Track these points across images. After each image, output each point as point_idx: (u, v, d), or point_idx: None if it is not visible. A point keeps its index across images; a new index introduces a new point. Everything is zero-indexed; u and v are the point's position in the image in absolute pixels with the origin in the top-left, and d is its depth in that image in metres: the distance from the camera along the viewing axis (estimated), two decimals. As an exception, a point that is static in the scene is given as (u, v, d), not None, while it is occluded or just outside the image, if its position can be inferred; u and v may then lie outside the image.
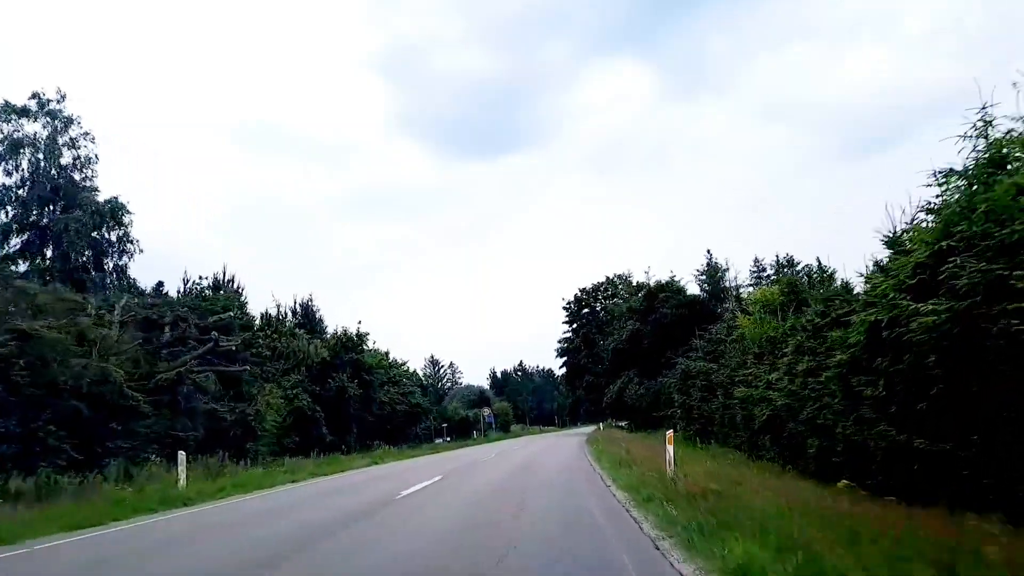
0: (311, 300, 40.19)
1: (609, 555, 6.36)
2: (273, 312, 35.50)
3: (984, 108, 6.78)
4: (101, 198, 32.49)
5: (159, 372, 19.28)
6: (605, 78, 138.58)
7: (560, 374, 65.11)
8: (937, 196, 7.43)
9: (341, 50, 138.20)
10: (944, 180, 7.19)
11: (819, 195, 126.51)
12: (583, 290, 62.23)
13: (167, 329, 22.68)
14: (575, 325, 62.24)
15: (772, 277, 48.15)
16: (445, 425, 69.30)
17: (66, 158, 32.29)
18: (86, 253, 31.36)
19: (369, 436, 38.65)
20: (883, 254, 8.74)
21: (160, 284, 31.48)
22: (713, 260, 51.81)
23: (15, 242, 30.82)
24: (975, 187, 6.67)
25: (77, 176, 32.40)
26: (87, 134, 32.81)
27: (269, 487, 17.50)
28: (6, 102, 30.90)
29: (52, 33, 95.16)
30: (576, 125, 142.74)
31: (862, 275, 9.54)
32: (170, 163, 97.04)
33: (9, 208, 31.15)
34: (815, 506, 7.16)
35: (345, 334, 36.69)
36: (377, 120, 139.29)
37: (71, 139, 32.59)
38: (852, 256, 57.99)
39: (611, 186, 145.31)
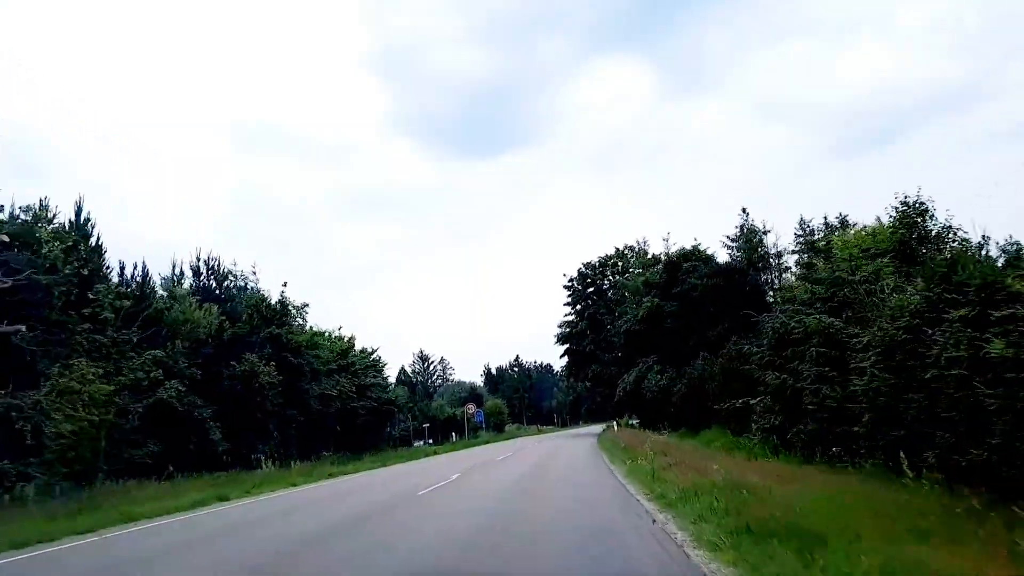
0: (228, 262, 29.08)
1: None
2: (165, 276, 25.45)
3: None
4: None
5: None
6: (603, 77, 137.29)
7: (561, 366, 54.76)
8: None
9: (339, 50, 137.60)
10: None
11: (818, 194, 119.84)
12: (588, 265, 52.26)
13: None
14: (579, 306, 52.19)
15: (828, 239, 38.32)
16: (427, 426, 59.30)
17: None
18: None
19: (309, 442, 28.75)
20: None
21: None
22: (749, 222, 41.83)
23: None
24: None
25: None
26: None
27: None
28: None
29: (56, 34, 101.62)
30: (575, 124, 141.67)
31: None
32: (170, 163, 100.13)
33: None
34: None
35: (263, 301, 26.60)
36: (375, 120, 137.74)
37: None
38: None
39: (611, 185, 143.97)
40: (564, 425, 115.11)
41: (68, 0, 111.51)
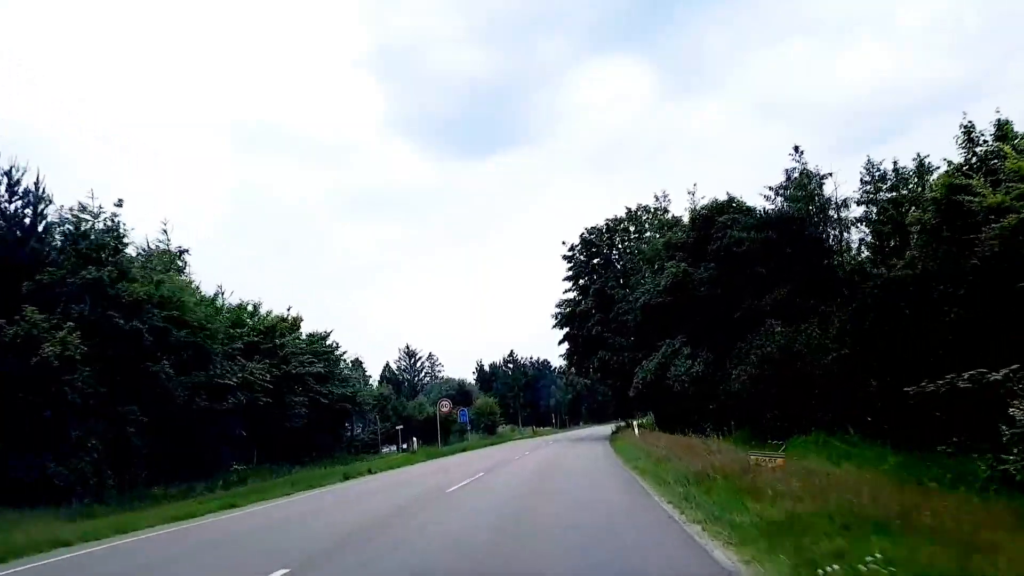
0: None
1: None
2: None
3: None
4: None
5: None
6: (603, 76, 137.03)
7: (560, 355, 44.84)
8: None
9: (338, 50, 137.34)
10: None
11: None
12: (593, 230, 42.47)
13: None
14: (582, 280, 42.43)
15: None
16: (401, 427, 49.55)
17: None
18: None
19: (175, 455, 19.14)
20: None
21: None
22: (803, 164, 32.15)
23: None
24: None
25: None
26: None
27: None
28: None
29: (56, 34, 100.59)
30: (575, 124, 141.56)
31: None
32: (170, 163, 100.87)
33: None
34: None
35: (79, 231, 16.43)
36: (375, 119, 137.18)
37: None
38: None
39: (611, 185, 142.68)
40: (563, 426, 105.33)
41: (68, 0, 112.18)
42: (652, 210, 40.07)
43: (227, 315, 27.53)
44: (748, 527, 6.65)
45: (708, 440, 16.09)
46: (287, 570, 6.82)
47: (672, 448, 16.68)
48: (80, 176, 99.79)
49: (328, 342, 40.45)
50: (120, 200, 17.25)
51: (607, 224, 42.05)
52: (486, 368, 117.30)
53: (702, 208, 33.17)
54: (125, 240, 17.62)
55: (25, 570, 9.05)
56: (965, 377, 8.37)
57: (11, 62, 68.52)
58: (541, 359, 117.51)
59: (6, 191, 16.06)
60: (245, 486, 19.28)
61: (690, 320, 31.29)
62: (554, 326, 42.52)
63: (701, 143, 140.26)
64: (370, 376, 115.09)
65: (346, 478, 22.13)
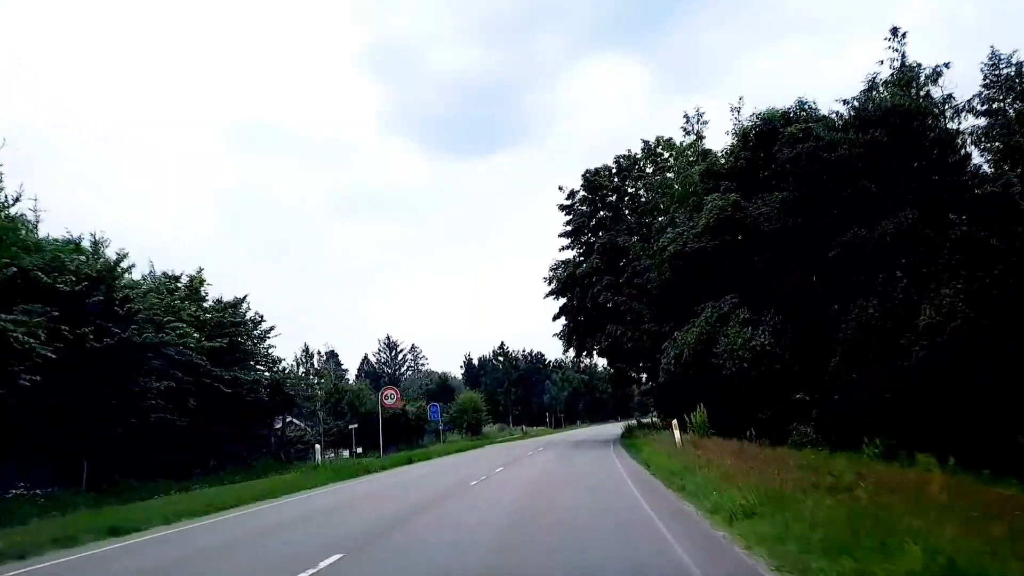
0: None
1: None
2: None
3: None
4: None
5: None
6: (601, 75, 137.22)
7: (556, 335, 34.04)
8: None
9: (336, 49, 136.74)
10: None
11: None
12: (599, 171, 32.41)
13: None
14: (585, 236, 32.34)
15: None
16: (355, 427, 39.46)
17: None
18: None
19: None
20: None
21: None
22: (903, 58, 22.12)
23: None
24: None
25: None
26: None
27: None
28: None
29: (56, 34, 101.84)
30: (573, 122, 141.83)
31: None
32: (170, 163, 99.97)
33: None
34: None
35: None
36: (373, 119, 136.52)
37: None
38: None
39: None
40: (558, 425, 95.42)
41: (67, 1, 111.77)
42: (678, 145, 29.91)
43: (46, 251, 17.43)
44: None
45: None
46: None
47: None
48: (80, 175, 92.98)
49: (250, 316, 30.49)
50: None
51: (618, 163, 31.97)
52: (474, 362, 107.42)
53: (761, 115, 23.17)
54: None
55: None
56: None
57: (11, 62, 69.24)
58: (535, 352, 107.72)
59: None
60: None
61: (745, 272, 21.35)
62: (547, 295, 32.46)
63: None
64: (346, 370, 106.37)
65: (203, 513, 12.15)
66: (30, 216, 18.85)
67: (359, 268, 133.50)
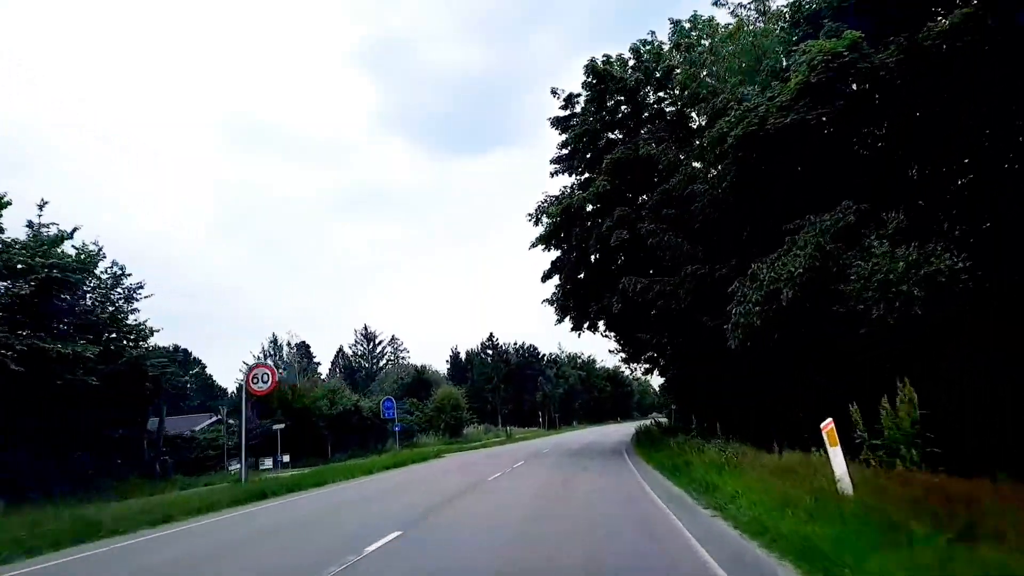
0: None
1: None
2: None
3: None
4: None
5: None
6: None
7: (547, 301, 24.38)
8: None
9: (332, 48, 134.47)
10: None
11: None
12: (609, 62, 22.69)
13: None
14: (590, 154, 22.64)
15: None
16: (280, 427, 29.82)
17: None
18: None
19: None
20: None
21: None
22: None
23: None
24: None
25: None
26: None
27: None
28: None
29: (53, 34, 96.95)
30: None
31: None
32: (167, 163, 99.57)
33: None
34: None
35: None
36: (369, 118, 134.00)
37: None
38: None
39: None
40: (552, 427, 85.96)
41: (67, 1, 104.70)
42: (724, 27, 20.20)
43: None
44: None
45: None
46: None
47: None
48: (79, 174, 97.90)
49: (109, 269, 20.88)
50: None
51: (636, 52, 22.28)
52: (461, 356, 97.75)
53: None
54: None
55: None
56: None
57: (11, 62, 65.40)
58: (528, 345, 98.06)
59: None
60: None
61: (877, 159, 11.90)
62: (535, 244, 22.63)
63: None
64: (319, 363, 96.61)
65: None
66: None
67: (355, 266, 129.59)
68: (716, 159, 14.61)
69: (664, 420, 61.54)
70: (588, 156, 21.68)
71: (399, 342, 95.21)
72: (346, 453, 35.57)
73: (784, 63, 14.99)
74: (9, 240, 17.62)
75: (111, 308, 20.48)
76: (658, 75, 22.00)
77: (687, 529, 7.61)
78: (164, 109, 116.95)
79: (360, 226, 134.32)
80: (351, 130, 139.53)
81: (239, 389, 30.71)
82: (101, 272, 20.70)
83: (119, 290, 21.39)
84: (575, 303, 22.72)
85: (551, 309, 24.42)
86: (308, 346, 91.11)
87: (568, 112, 23.05)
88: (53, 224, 18.84)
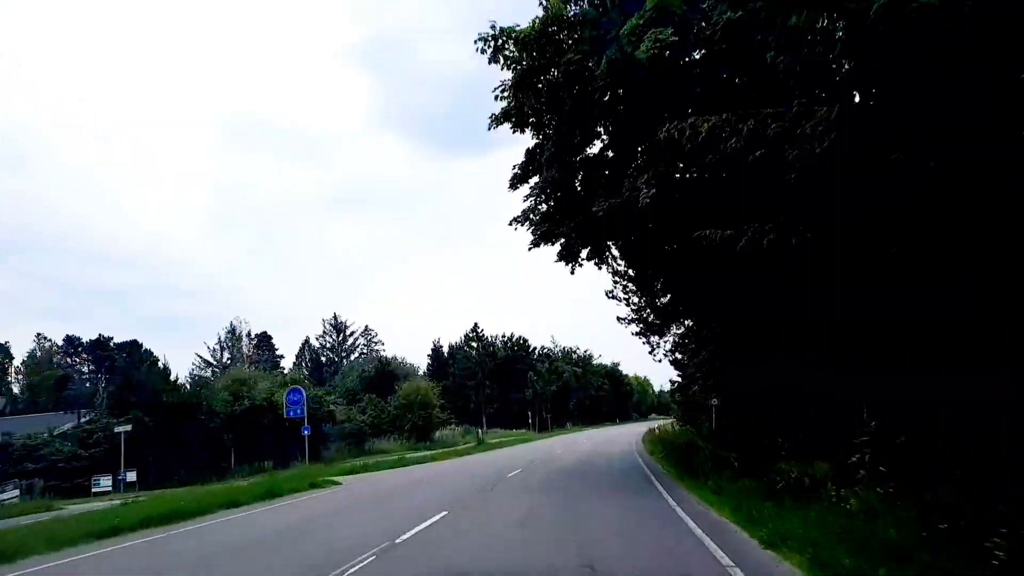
0: None
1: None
2: None
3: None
4: None
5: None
6: None
7: (516, 220, 14.98)
8: None
9: (328, 47, 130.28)
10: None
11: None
12: None
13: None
14: None
15: None
16: (125, 429, 19.85)
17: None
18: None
19: None
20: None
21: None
22: None
23: None
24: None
25: None
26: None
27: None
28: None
29: (57, 35, 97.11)
30: None
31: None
32: (163, 162, 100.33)
33: None
34: None
35: None
36: (366, 116, 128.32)
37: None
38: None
39: None
40: (543, 429, 75.74)
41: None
42: None
43: None
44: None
45: None
46: None
47: None
48: (73, 173, 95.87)
49: None
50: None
51: None
52: (444, 350, 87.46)
53: None
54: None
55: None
56: None
57: (11, 62, 65.66)
58: (517, 336, 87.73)
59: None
60: None
61: None
62: (495, 119, 12.63)
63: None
64: (282, 356, 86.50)
65: None
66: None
67: (349, 265, 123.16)
68: None
69: (670, 425, 51.51)
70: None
71: (373, 333, 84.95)
72: (253, 466, 25.64)
73: None
74: None
75: None
76: None
77: None
78: (163, 107, 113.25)
79: (354, 224, 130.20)
80: (351, 127, 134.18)
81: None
82: None
83: None
84: (566, 211, 12.68)
85: (525, 237, 14.47)
86: (270, 337, 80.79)
87: None
88: None
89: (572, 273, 13.92)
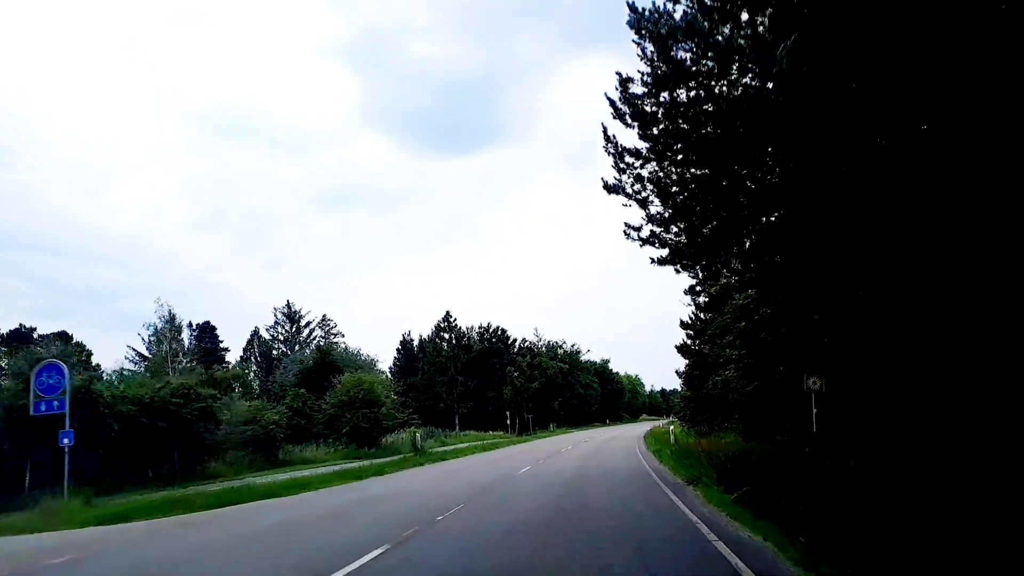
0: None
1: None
2: None
3: None
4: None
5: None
6: (581, 72, 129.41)
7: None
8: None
9: (310, 41, 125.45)
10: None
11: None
12: None
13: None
14: None
15: None
16: None
17: None
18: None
19: None
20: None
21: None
22: None
23: None
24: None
25: None
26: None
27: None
28: None
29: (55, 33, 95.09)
30: (555, 121, 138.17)
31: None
32: (143, 157, 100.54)
33: None
34: None
35: None
36: (352, 114, 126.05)
37: None
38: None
39: (587, 185, 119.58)
40: (523, 432, 65.80)
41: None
42: None
43: None
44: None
45: None
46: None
47: None
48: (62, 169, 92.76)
49: None
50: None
51: None
52: (414, 344, 77.54)
53: None
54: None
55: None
56: None
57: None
58: (495, 327, 77.85)
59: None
60: None
61: None
62: None
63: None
64: (227, 349, 76.63)
65: None
66: None
67: (335, 263, 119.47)
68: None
69: (671, 428, 42.56)
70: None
71: (331, 323, 74.54)
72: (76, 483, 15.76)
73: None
74: None
75: None
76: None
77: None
78: (140, 103, 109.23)
79: (336, 221, 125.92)
80: (336, 126, 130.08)
81: None
82: None
83: None
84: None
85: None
86: (213, 328, 70.59)
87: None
88: None
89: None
